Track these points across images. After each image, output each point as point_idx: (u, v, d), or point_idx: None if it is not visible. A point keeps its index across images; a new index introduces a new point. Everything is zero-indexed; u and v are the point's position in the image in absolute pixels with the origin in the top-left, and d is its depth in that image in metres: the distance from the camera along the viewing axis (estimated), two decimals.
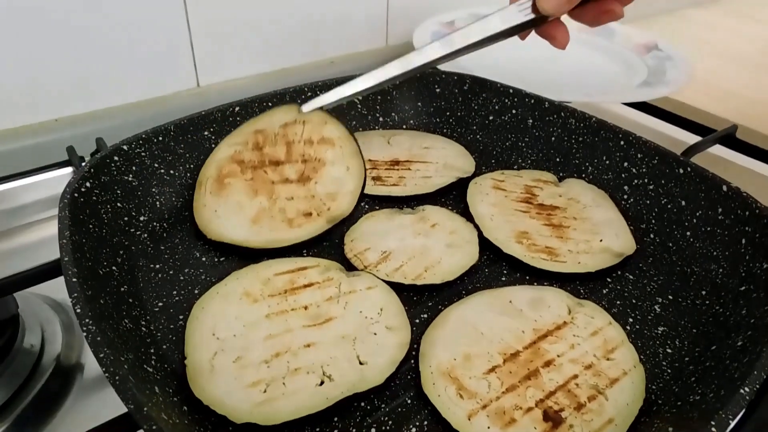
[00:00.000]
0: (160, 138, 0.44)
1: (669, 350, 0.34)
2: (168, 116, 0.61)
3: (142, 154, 0.43)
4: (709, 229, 0.40)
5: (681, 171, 0.42)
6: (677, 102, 0.65)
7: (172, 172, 0.45)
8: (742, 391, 0.26)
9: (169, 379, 0.30)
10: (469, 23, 0.36)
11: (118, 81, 0.59)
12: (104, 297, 0.32)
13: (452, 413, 0.29)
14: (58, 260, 0.34)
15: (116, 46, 0.57)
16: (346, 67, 0.73)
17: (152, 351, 0.32)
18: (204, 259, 0.39)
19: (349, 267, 0.38)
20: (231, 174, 0.41)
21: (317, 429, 0.29)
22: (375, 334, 0.33)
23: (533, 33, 0.38)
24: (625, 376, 0.31)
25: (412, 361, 0.32)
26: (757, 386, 0.26)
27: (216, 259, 0.40)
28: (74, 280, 0.30)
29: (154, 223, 0.42)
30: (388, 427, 0.29)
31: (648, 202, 0.44)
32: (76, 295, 0.29)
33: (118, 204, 0.41)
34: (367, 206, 0.45)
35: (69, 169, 0.53)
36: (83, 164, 0.39)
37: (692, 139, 0.62)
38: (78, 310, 0.28)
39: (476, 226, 0.41)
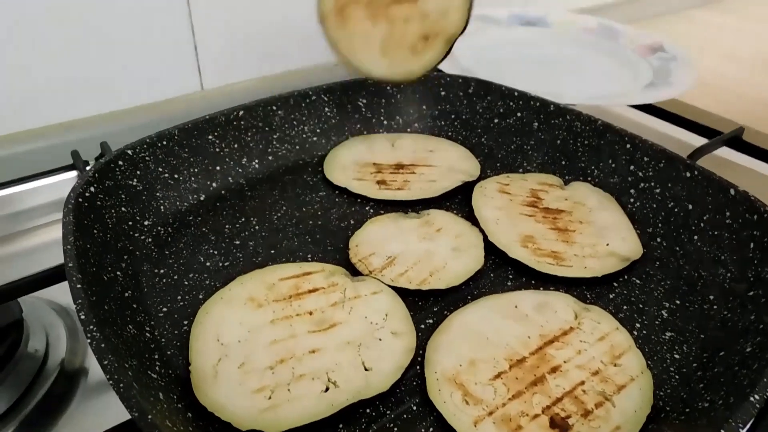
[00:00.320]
0: (165, 142, 0.44)
1: (677, 356, 0.34)
2: (172, 120, 0.61)
3: (147, 158, 0.43)
4: (716, 232, 0.40)
5: (688, 174, 0.42)
6: (683, 104, 0.65)
7: (176, 176, 0.45)
8: (752, 398, 0.26)
9: (173, 385, 0.30)
10: None
11: (122, 85, 0.59)
12: (108, 302, 0.32)
13: (458, 420, 0.29)
14: (62, 265, 0.34)
15: (120, 50, 0.57)
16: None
17: (156, 357, 0.32)
18: (208, 264, 0.39)
19: (354, 272, 0.37)
20: (347, 3, 0.41)
21: None
22: (380, 339, 0.33)
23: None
24: (632, 382, 0.31)
25: (418, 367, 0.32)
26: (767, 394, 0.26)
27: (220, 264, 0.39)
28: (78, 286, 0.30)
29: (159, 228, 0.42)
30: None
31: (654, 205, 0.43)
32: (80, 301, 0.29)
33: (123, 208, 0.41)
34: (371, 210, 0.45)
35: (73, 173, 0.53)
36: (88, 169, 0.39)
37: (698, 141, 0.62)
38: (82, 317, 0.28)
39: (481, 231, 0.41)
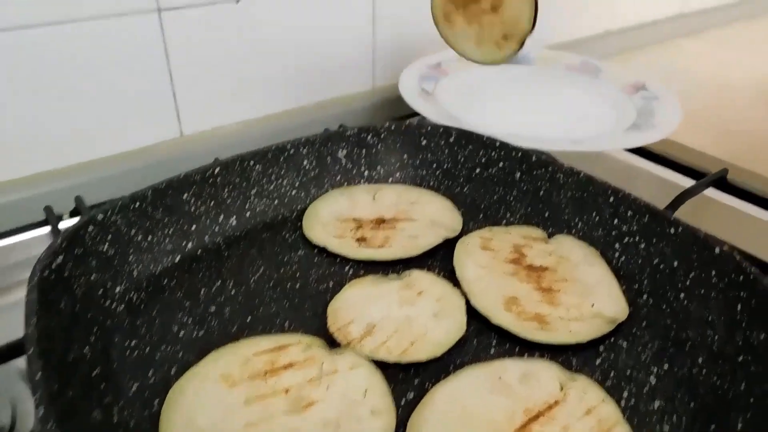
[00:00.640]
0: (138, 204, 0.43)
1: (667, 427, 0.33)
2: (151, 167, 0.61)
3: (118, 221, 0.42)
4: (703, 291, 0.39)
5: (672, 230, 0.41)
6: (668, 141, 0.64)
7: (150, 238, 0.43)
8: None
9: None
10: None
11: (96, 133, 0.58)
12: (74, 387, 0.31)
13: None
14: None
15: (96, 98, 0.56)
16: (333, 110, 0.72)
17: None
18: (182, 333, 0.38)
19: (332, 342, 0.36)
20: (451, 11, 0.57)
21: None
22: (359, 418, 0.31)
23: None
24: None
25: None
26: None
27: (194, 334, 0.38)
28: (39, 375, 0.28)
29: (132, 294, 0.41)
30: None
31: (640, 261, 0.43)
32: (40, 394, 0.27)
33: (93, 276, 0.39)
34: (351, 271, 0.44)
35: (47, 229, 0.52)
36: (53, 242, 0.37)
37: (685, 181, 0.62)
38: (41, 413, 0.26)
39: (464, 293, 0.40)
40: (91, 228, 0.40)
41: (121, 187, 0.59)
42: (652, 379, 0.36)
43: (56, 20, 0.51)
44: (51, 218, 0.50)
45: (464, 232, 0.47)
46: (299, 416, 0.31)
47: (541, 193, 0.49)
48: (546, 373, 0.34)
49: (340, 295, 0.40)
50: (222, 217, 0.47)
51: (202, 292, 0.41)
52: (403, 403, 0.33)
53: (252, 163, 0.49)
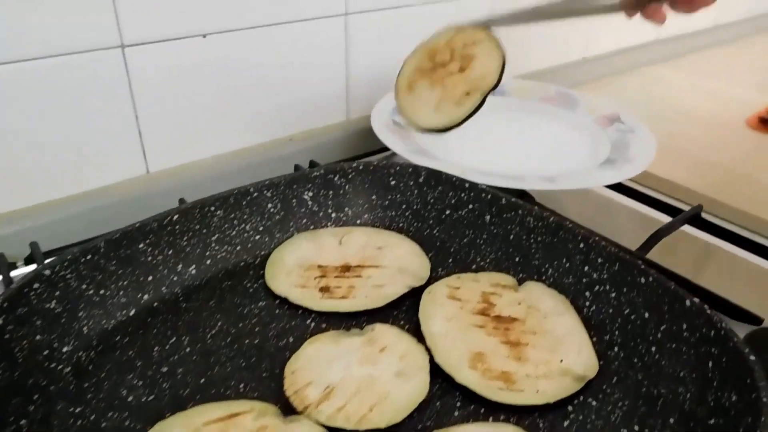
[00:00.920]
0: (89, 257, 0.41)
1: None
2: (116, 206, 0.59)
3: (68, 276, 0.40)
4: (674, 345, 0.37)
5: (642, 280, 0.40)
6: (644, 173, 0.64)
7: (102, 291, 0.41)
8: None
9: None
10: None
11: (57, 172, 0.56)
12: None
13: None
14: None
15: (55, 136, 0.54)
16: (306, 144, 0.71)
17: None
18: (131, 398, 0.36)
19: (288, 408, 0.34)
20: (416, 80, 0.58)
21: None
22: None
23: None
24: None
25: None
26: None
27: (144, 399, 0.36)
28: None
29: (80, 354, 0.39)
30: None
31: (611, 311, 0.41)
32: None
33: (38, 336, 0.37)
34: (313, 324, 0.42)
35: None
36: None
37: (660, 215, 0.61)
38: None
39: (428, 348, 0.38)
40: (36, 285, 0.38)
41: (82, 229, 0.57)
42: None
43: (16, 58, 0.50)
44: (2, 266, 0.48)
45: (432, 278, 0.46)
46: None
47: (511, 237, 0.48)
48: None
49: (299, 354, 0.38)
50: (181, 266, 0.45)
51: (155, 350, 0.39)
52: None
53: (213, 208, 0.47)
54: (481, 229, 0.49)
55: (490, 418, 0.35)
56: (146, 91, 0.58)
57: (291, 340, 0.40)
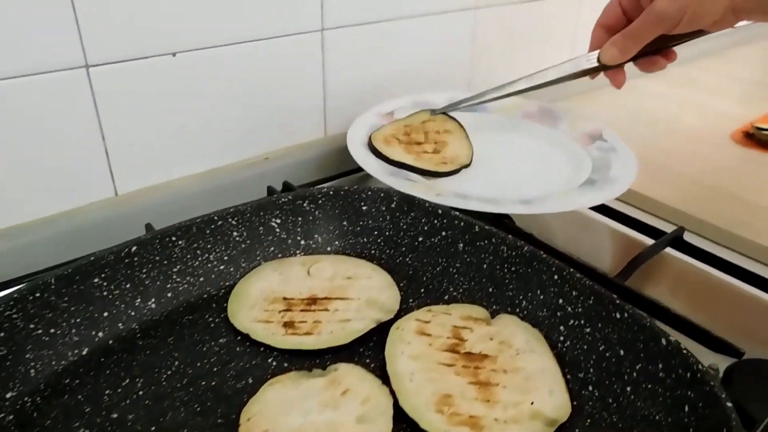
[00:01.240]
0: (38, 294, 0.39)
1: None
2: (83, 230, 0.57)
3: (14, 316, 0.38)
4: (650, 386, 0.36)
5: (618, 315, 0.38)
6: (628, 191, 0.62)
7: (52, 330, 0.39)
8: None
9: None
10: (533, 73, 0.59)
11: (20, 196, 0.54)
12: None
13: None
14: None
15: (17, 158, 0.52)
16: (283, 162, 0.69)
17: None
18: None
19: None
20: (391, 141, 0.62)
21: None
22: None
23: None
24: None
25: None
26: None
27: None
28: None
29: (25, 399, 0.37)
30: None
31: (585, 346, 0.40)
32: None
33: None
34: (275, 363, 0.40)
35: None
36: None
37: (643, 237, 0.59)
38: None
39: (392, 391, 0.37)
40: None
41: (47, 254, 0.55)
42: None
43: None
44: None
45: (403, 309, 0.44)
46: None
47: (485, 266, 0.46)
48: None
49: (256, 399, 0.36)
50: (139, 300, 0.43)
51: (106, 394, 0.37)
52: None
53: (174, 238, 0.45)
54: (455, 257, 0.47)
55: None
56: (113, 111, 0.56)
57: (250, 381, 0.38)
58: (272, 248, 0.49)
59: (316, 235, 0.51)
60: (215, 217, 0.47)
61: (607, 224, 0.63)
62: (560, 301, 0.42)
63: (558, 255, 0.52)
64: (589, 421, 0.36)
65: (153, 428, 0.35)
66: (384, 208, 0.51)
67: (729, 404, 0.31)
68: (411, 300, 0.46)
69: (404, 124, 0.65)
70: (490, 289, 0.45)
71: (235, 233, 0.48)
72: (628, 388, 0.37)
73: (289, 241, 0.50)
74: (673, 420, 0.34)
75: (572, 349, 0.40)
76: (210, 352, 0.41)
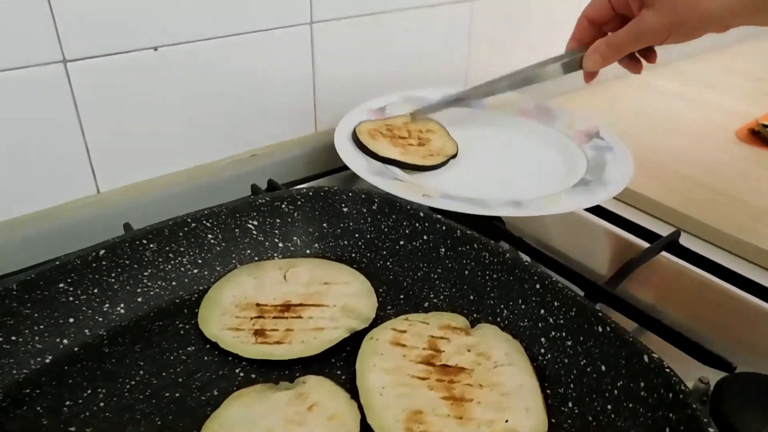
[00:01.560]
0: None
1: None
2: (64, 228, 0.56)
3: None
4: (631, 405, 0.34)
5: (600, 329, 0.37)
6: (626, 190, 0.60)
7: (14, 338, 0.38)
8: None
9: None
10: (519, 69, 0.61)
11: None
12: None
13: None
14: None
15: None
16: (270, 159, 0.68)
17: None
18: None
19: None
20: (375, 135, 0.61)
21: None
22: None
23: None
24: None
25: None
26: None
27: None
28: None
29: None
30: None
31: (567, 360, 0.38)
32: None
33: None
34: (242, 374, 0.39)
35: None
36: None
37: (639, 240, 0.57)
38: None
39: (361, 407, 0.35)
40: None
41: (25, 253, 0.54)
42: None
43: None
44: None
45: (381, 317, 0.43)
46: None
47: (466, 272, 0.44)
48: None
49: (218, 414, 0.35)
50: (108, 305, 0.42)
51: (66, 406, 0.36)
52: None
53: (145, 242, 0.44)
54: (436, 262, 0.46)
55: None
56: (92, 107, 0.55)
57: (215, 393, 0.37)
58: (249, 251, 0.48)
59: (294, 238, 0.49)
60: (188, 219, 0.45)
61: (602, 225, 0.61)
62: (542, 311, 0.40)
63: (546, 260, 0.50)
64: None
65: None
66: (365, 210, 0.49)
67: (711, 430, 0.29)
68: (389, 307, 0.44)
69: (385, 123, 0.64)
70: (471, 297, 0.44)
71: (209, 236, 0.46)
72: (609, 406, 0.35)
73: (267, 243, 0.48)
74: None
75: (553, 362, 0.39)
76: (177, 361, 0.39)
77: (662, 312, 0.52)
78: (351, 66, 0.71)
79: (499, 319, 0.42)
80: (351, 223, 0.50)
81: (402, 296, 0.45)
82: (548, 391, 0.37)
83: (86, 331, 0.41)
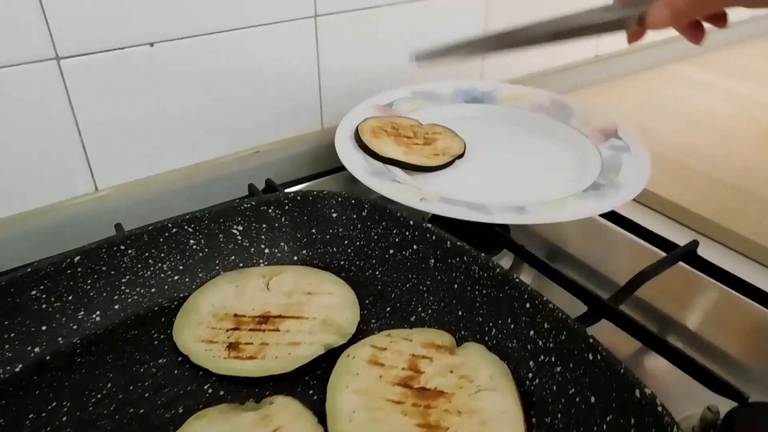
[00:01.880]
0: None
1: None
2: (61, 226, 0.55)
3: None
4: None
5: (590, 357, 0.34)
6: (645, 191, 0.56)
7: None
8: None
9: None
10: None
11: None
12: None
13: None
14: None
15: None
16: (273, 156, 0.66)
17: None
18: None
19: None
20: (378, 133, 0.59)
21: None
22: None
23: None
24: None
25: None
26: None
27: None
28: None
29: None
30: None
31: (555, 387, 0.35)
32: None
33: None
34: (211, 390, 0.37)
35: None
36: None
37: (655, 250, 0.53)
38: None
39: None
40: None
41: (22, 252, 0.53)
42: None
43: None
44: None
45: (364, 331, 0.41)
46: None
47: (456, 286, 0.42)
48: None
49: None
50: (83, 312, 0.41)
51: (28, 420, 0.35)
52: None
53: (123, 247, 0.42)
54: (425, 274, 0.43)
55: None
56: (88, 104, 0.54)
57: (180, 410, 0.36)
58: (233, 257, 0.46)
59: (282, 243, 0.47)
60: (169, 225, 0.44)
61: (616, 231, 0.58)
62: (531, 333, 0.37)
63: (550, 272, 0.47)
64: None
65: None
66: (355, 216, 0.47)
67: None
68: (374, 321, 0.42)
69: (390, 122, 0.62)
70: (460, 312, 0.41)
71: (191, 241, 0.45)
72: None
73: (252, 249, 0.47)
74: None
75: (541, 388, 0.36)
76: (146, 373, 0.38)
77: (674, 328, 0.48)
78: (357, 60, 0.68)
79: (487, 338, 0.39)
80: (340, 229, 0.47)
81: (389, 308, 0.43)
82: (534, 419, 0.35)
83: (60, 339, 0.40)
